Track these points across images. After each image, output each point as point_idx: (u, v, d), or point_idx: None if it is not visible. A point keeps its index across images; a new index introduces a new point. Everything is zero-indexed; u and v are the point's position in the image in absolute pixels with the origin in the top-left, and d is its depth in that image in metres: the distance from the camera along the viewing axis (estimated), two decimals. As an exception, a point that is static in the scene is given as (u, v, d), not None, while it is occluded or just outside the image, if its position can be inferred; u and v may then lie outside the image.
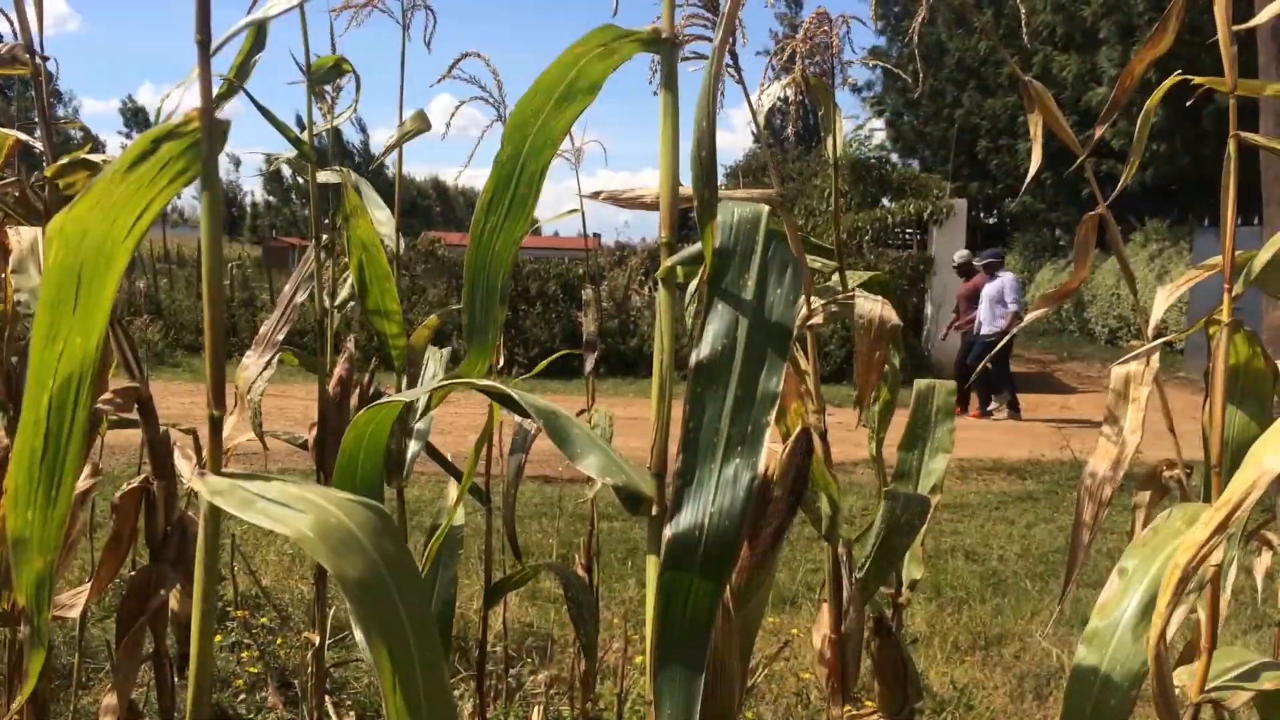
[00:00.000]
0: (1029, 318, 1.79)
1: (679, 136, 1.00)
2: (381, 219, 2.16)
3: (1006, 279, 12.31)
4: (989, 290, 12.29)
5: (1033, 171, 1.71)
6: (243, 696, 3.90)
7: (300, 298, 2.13)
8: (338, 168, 2.20)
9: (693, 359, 0.90)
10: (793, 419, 1.48)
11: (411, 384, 2.15)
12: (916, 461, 2.14)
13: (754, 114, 1.58)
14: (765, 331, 0.88)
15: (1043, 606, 5.45)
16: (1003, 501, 8.21)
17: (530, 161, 0.99)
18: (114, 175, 0.74)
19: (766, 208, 0.92)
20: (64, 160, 1.69)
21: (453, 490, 2.25)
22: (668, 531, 0.85)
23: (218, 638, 3.99)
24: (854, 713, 1.63)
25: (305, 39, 2.49)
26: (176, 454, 3.89)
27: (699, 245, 0.93)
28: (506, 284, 1.03)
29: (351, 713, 3.75)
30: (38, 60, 1.73)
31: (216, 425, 0.88)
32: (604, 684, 3.91)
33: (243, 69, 2.52)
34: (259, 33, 2.55)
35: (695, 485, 0.85)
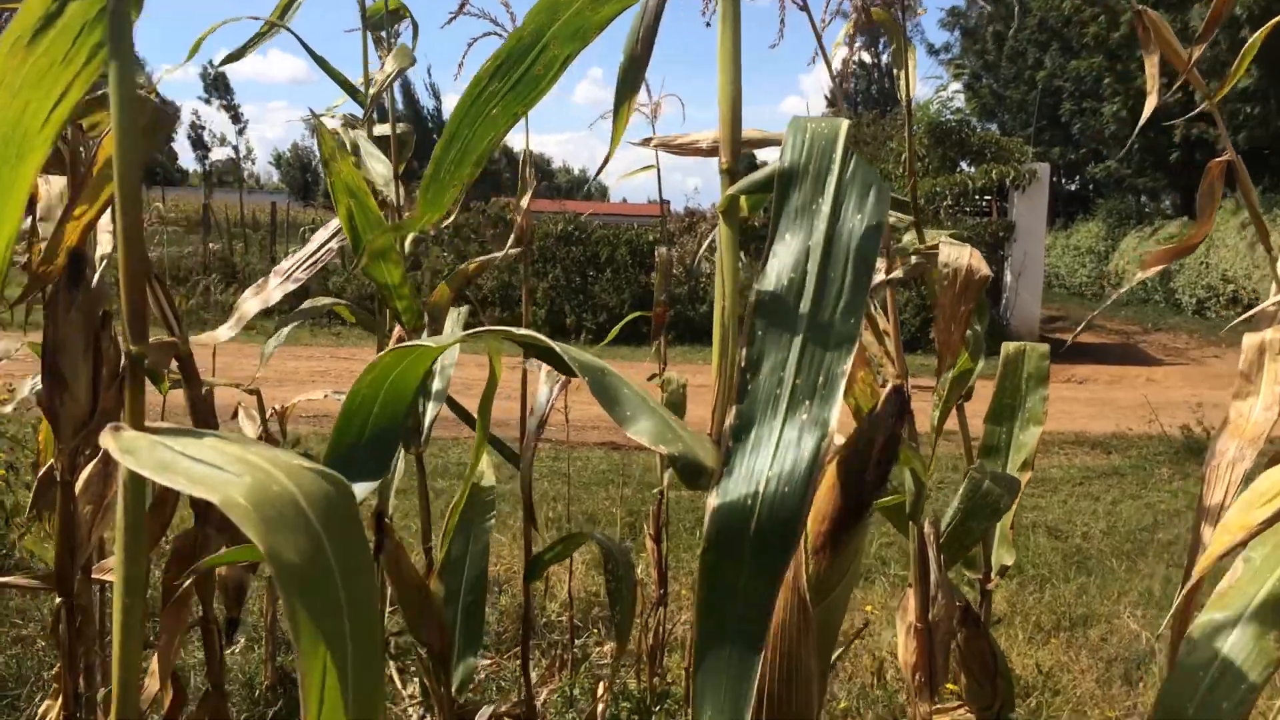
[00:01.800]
0: (1138, 277, 1.61)
1: (739, 42, 0.86)
2: (380, 172, 2.04)
3: None
4: None
5: (1147, 112, 1.53)
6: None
7: (337, 243, 2.02)
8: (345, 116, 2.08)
9: (753, 294, 0.76)
10: (861, 392, 1.33)
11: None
12: (1005, 435, 1.97)
13: (821, 49, 1.41)
14: (842, 262, 0.73)
15: (1130, 587, 5.21)
16: (1086, 477, 7.92)
17: (554, 45, 0.87)
18: (13, 49, 0.61)
19: (846, 120, 0.77)
20: (86, 100, 1.58)
21: (487, 458, 2.13)
22: (712, 500, 0.71)
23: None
24: (941, 708, 1.48)
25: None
26: (241, 414, 3.85)
27: (767, 168, 0.78)
28: (484, 155, 0.92)
29: (416, 679, 3.70)
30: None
31: (137, 365, 0.75)
32: (672, 656, 3.81)
33: (286, 9, 2.42)
34: (306, -30, 2.44)
35: (750, 446, 0.71)
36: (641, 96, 2.72)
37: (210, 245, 18.51)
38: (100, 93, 1.65)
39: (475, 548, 1.88)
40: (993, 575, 1.87)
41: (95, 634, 2.04)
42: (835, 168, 0.76)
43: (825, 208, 0.75)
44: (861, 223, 0.73)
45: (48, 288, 1.58)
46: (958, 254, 1.48)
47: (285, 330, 2.27)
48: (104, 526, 1.70)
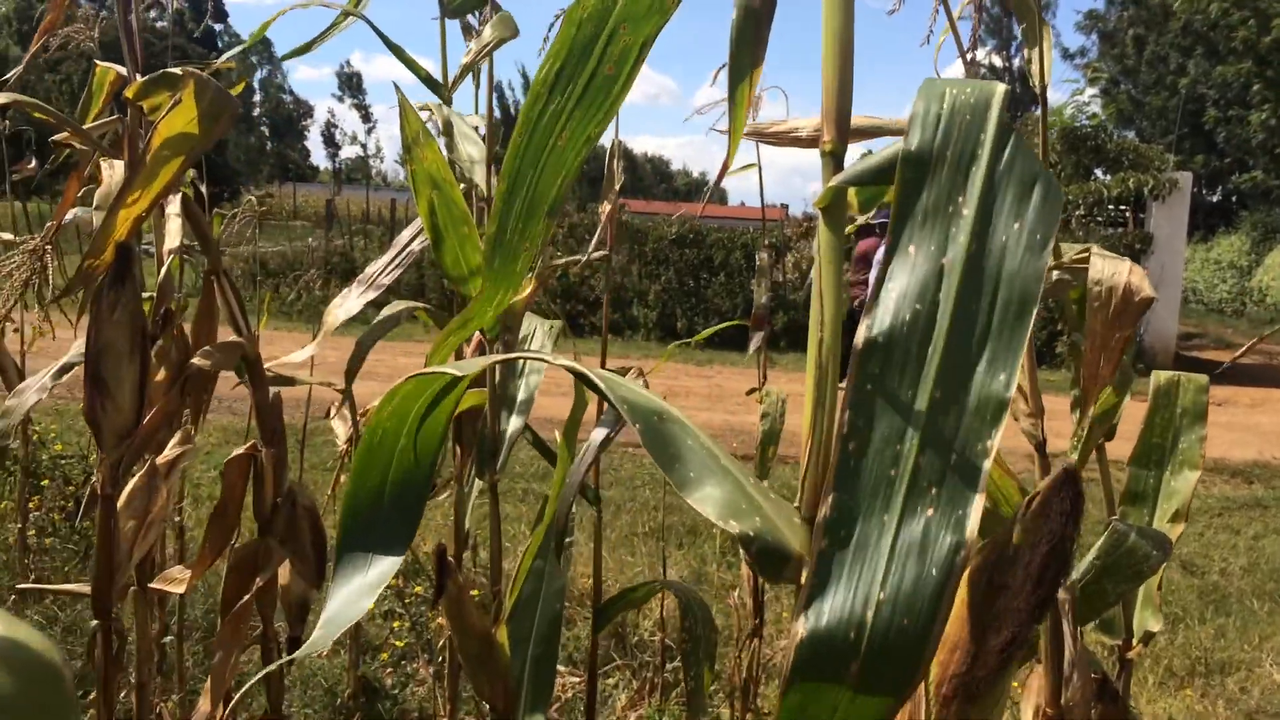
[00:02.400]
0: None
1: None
2: (474, 155, 1.86)
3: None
4: (879, 255, 11.38)
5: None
6: (391, 668, 3.77)
7: (419, 245, 1.87)
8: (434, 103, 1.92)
9: (861, 332, 0.55)
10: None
11: (506, 349, 1.86)
12: (1153, 480, 1.71)
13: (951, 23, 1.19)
14: (991, 290, 0.53)
15: (1274, 631, 4.78)
16: (1225, 508, 7.38)
17: (624, 29, 0.66)
18: None
19: (1001, 86, 0.56)
20: (143, 79, 1.46)
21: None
22: (800, 626, 0.51)
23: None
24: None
25: (450, -36, 2.22)
26: (333, 413, 3.74)
27: (886, 150, 0.58)
28: (562, 197, 0.71)
29: None
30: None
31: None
32: (769, 685, 3.59)
33: (361, -5, 2.27)
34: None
35: (854, 551, 0.51)
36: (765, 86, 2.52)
37: (335, 241, 18.89)
38: (159, 73, 1.53)
39: (550, 588, 1.69)
40: (1135, 642, 1.61)
41: (150, 651, 1.93)
42: (985, 154, 0.55)
43: (969, 210, 0.54)
44: (1021, 235, 0.52)
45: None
46: (1114, 270, 1.23)
47: (368, 348, 2.14)
48: (146, 544, 1.57)
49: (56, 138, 1.88)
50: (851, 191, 0.65)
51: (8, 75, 1.61)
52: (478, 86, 2.24)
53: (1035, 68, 1.44)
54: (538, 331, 1.99)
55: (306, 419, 4.34)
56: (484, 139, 1.98)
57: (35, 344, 3.75)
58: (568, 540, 1.88)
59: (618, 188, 2.22)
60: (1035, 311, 0.52)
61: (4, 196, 4.92)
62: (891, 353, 0.53)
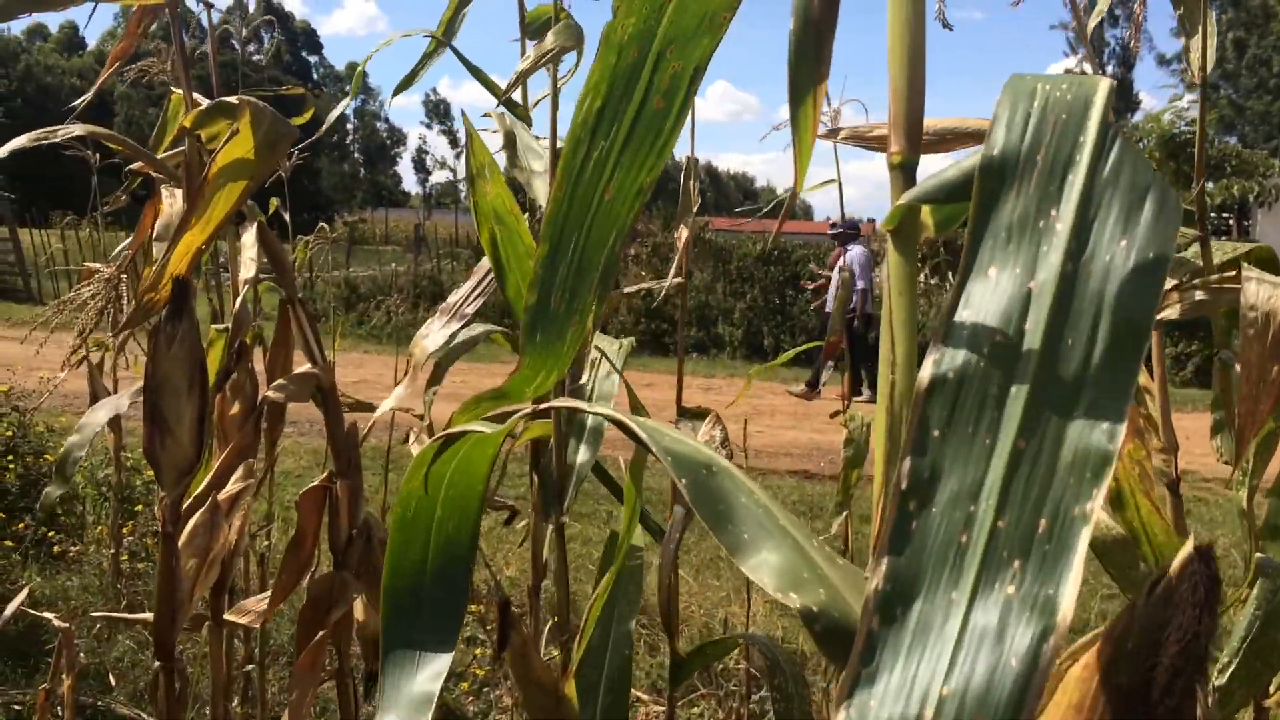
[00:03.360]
0: None
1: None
2: (535, 167, 1.80)
3: (857, 252, 11.29)
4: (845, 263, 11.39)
5: None
6: (473, 695, 3.74)
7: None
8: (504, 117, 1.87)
9: (927, 368, 0.47)
10: (1126, 479, 0.97)
11: (572, 383, 1.79)
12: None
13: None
14: (1090, 319, 0.44)
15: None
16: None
17: (671, 52, 0.58)
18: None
19: (1106, 81, 0.48)
20: (200, 108, 1.44)
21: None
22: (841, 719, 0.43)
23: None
24: None
25: (519, -15, 2.19)
26: (412, 439, 3.74)
27: (965, 161, 0.50)
28: (616, 258, 0.62)
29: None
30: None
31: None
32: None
33: (451, 22, 2.26)
34: (468, -20, 2.28)
35: (912, 635, 0.42)
36: (831, 102, 2.43)
37: (424, 265, 19.20)
38: (216, 101, 1.52)
39: (619, 630, 1.62)
40: (1273, 692, 1.47)
41: (225, 686, 1.91)
42: (1084, 159, 0.46)
43: (1063, 225, 0.46)
44: (1129, 254, 0.44)
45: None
46: (1270, 294, 1.09)
47: (445, 371, 2.11)
48: (208, 583, 1.54)
49: (132, 167, 1.89)
50: (926, 210, 0.57)
51: (76, 103, 1.61)
52: (556, 106, 2.20)
53: (1194, 57, 1.31)
54: (606, 354, 1.93)
55: (390, 442, 4.35)
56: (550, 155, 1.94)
57: (135, 368, 3.82)
58: (642, 563, 1.80)
59: (695, 209, 2.14)
60: (1147, 339, 0.44)
61: (102, 227, 5.04)
62: (965, 392, 0.45)
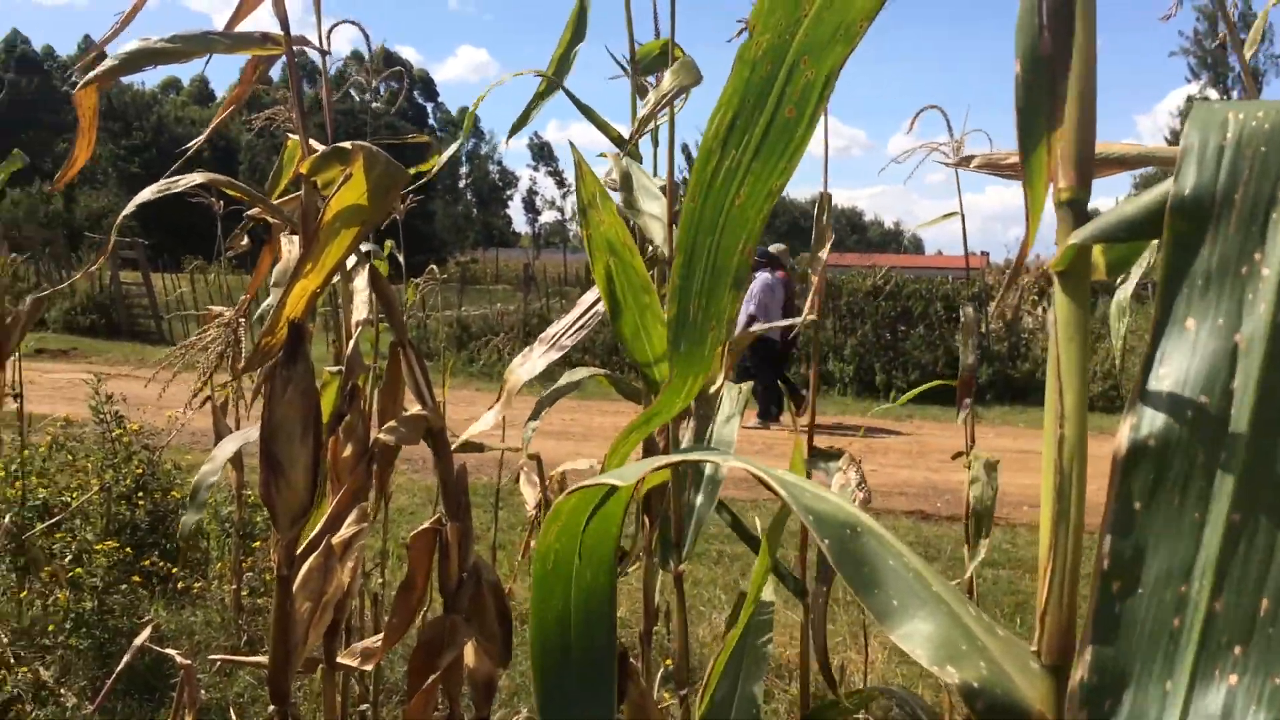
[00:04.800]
0: None
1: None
2: (654, 211, 1.77)
3: (758, 280, 11.60)
4: (753, 287, 11.61)
5: None
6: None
7: (603, 306, 1.80)
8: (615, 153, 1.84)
9: (1123, 433, 0.42)
10: None
11: (699, 425, 1.74)
12: None
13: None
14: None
15: None
16: None
17: (804, 63, 0.56)
18: None
19: (1317, 99, 0.42)
20: (315, 154, 1.45)
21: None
22: None
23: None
24: None
25: (629, 24, 2.18)
26: (522, 479, 3.74)
27: (1146, 196, 0.44)
28: (746, 263, 0.63)
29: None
30: (317, 50, 1.52)
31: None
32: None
33: (562, 62, 2.26)
34: (579, 20, 2.28)
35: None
36: (940, 134, 2.35)
37: (533, 305, 19.47)
38: (331, 147, 1.53)
39: (745, 690, 1.55)
40: None
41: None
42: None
43: (1270, 270, 0.40)
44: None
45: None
46: None
47: (543, 409, 2.09)
48: (323, 626, 1.54)
49: (250, 213, 1.93)
50: (1096, 250, 0.51)
51: (188, 145, 1.65)
52: (656, 145, 2.17)
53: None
54: (724, 400, 1.87)
55: (500, 480, 4.37)
56: (664, 194, 1.90)
57: (254, 411, 3.92)
58: (771, 619, 1.74)
59: (828, 247, 2.08)
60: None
61: (228, 271, 5.21)
62: (1169, 461, 0.39)
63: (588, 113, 2.15)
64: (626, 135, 2.10)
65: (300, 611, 1.50)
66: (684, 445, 1.81)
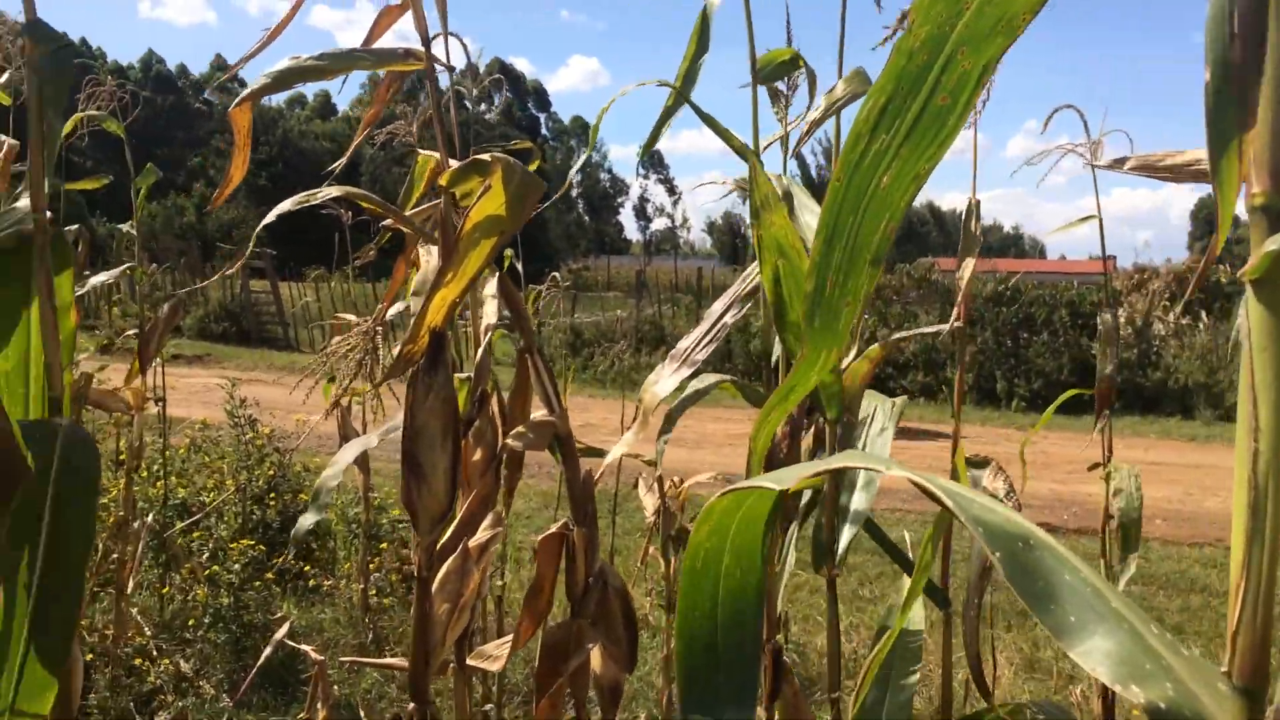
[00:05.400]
0: None
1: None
2: (813, 224, 1.75)
3: None
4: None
5: None
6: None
7: (731, 317, 1.80)
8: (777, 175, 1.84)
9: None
10: None
11: (845, 434, 1.71)
12: None
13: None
14: None
15: None
16: None
17: (961, 54, 0.56)
18: None
19: None
20: (454, 167, 1.48)
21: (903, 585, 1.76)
22: None
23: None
24: None
25: (750, 34, 2.18)
26: (641, 486, 3.76)
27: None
28: (886, 243, 0.64)
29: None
30: (436, 63, 1.55)
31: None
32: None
33: (689, 75, 2.27)
34: (702, 32, 2.28)
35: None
36: (1076, 134, 2.29)
37: (646, 310, 19.59)
38: (470, 160, 1.56)
39: (896, 698, 1.53)
40: None
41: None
42: None
43: None
44: None
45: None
46: None
47: (675, 421, 2.10)
48: (460, 627, 1.57)
49: (384, 224, 1.98)
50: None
51: (333, 166, 1.70)
52: (786, 154, 2.16)
53: None
54: (878, 413, 1.84)
55: (618, 486, 4.40)
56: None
57: (381, 414, 4.03)
58: (922, 631, 1.71)
59: (976, 253, 2.04)
60: None
61: (352, 279, 5.37)
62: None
63: (711, 123, 2.15)
64: (749, 142, 2.10)
65: (439, 613, 1.54)
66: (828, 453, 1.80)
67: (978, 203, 2.00)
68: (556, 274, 3.76)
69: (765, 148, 1.92)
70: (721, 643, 0.74)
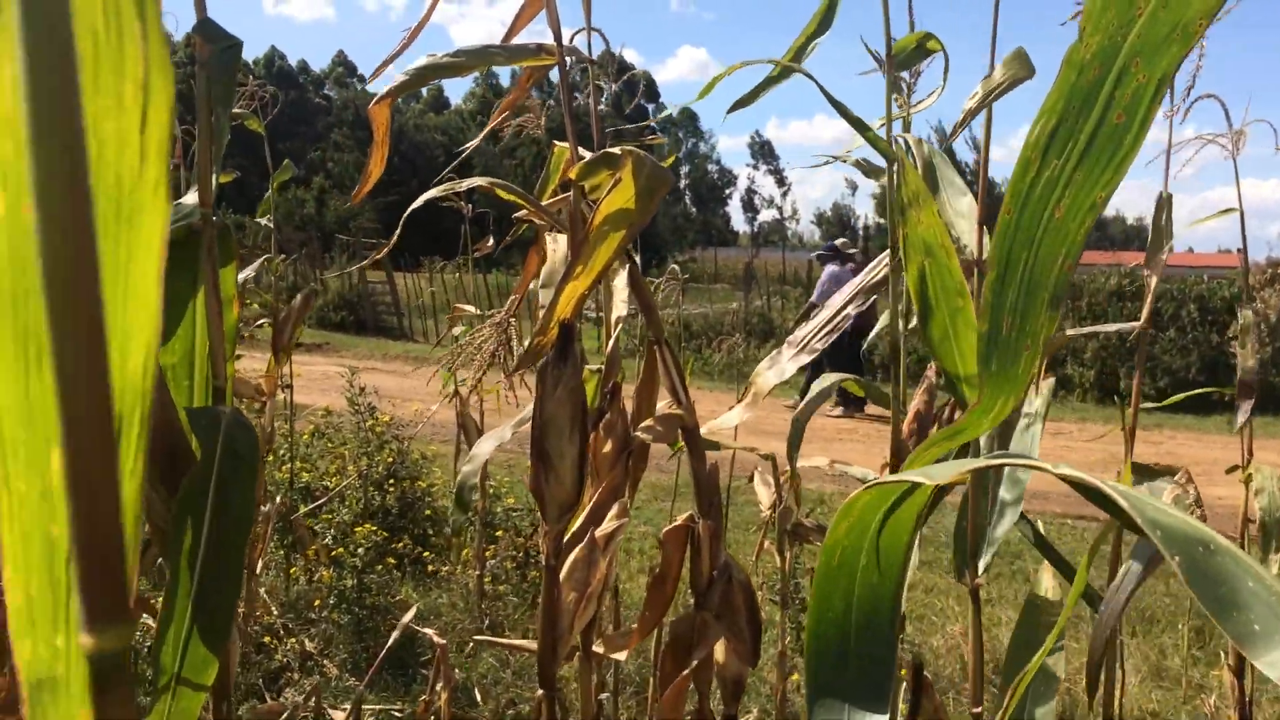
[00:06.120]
0: None
1: None
2: (961, 209, 1.71)
3: (826, 273, 11.87)
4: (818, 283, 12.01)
5: None
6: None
7: (854, 309, 1.78)
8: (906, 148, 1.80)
9: None
10: None
11: (1002, 436, 1.68)
12: None
13: None
14: None
15: None
16: None
17: (1136, 66, 0.54)
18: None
19: None
20: (583, 160, 1.50)
21: (1046, 578, 1.71)
22: None
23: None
24: None
25: (886, 14, 2.14)
26: (756, 480, 3.74)
27: None
28: (1065, 280, 0.61)
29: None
30: (566, 58, 1.57)
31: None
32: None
33: (800, 51, 2.23)
34: (827, 12, 2.25)
35: None
36: (1218, 124, 2.20)
37: (755, 301, 19.51)
38: (600, 153, 1.57)
39: (1032, 710, 1.49)
40: None
41: (593, 714, 1.97)
42: None
43: None
44: None
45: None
46: None
47: (803, 426, 2.09)
48: (587, 616, 1.59)
49: (518, 215, 2.01)
50: None
51: (462, 149, 1.74)
52: (988, 138, 2.12)
53: None
54: (1023, 407, 1.80)
55: (730, 479, 4.39)
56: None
57: (497, 404, 4.09)
58: (1065, 638, 1.66)
59: (1168, 248, 1.98)
60: None
61: (468, 271, 5.46)
62: None
63: (838, 106, 2.12)
64: (880, 132, 2.06)
65: (566, 601, 1.56)
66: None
67: (1169, 196, 1.93)
68: (676, 266, 3.76)
69: (958, 131, 1.88)
70: (854, 648, 0.73)
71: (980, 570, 1.56)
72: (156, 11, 0.29)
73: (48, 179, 0.20)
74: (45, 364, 0.26)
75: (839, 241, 12.97)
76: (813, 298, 12.27)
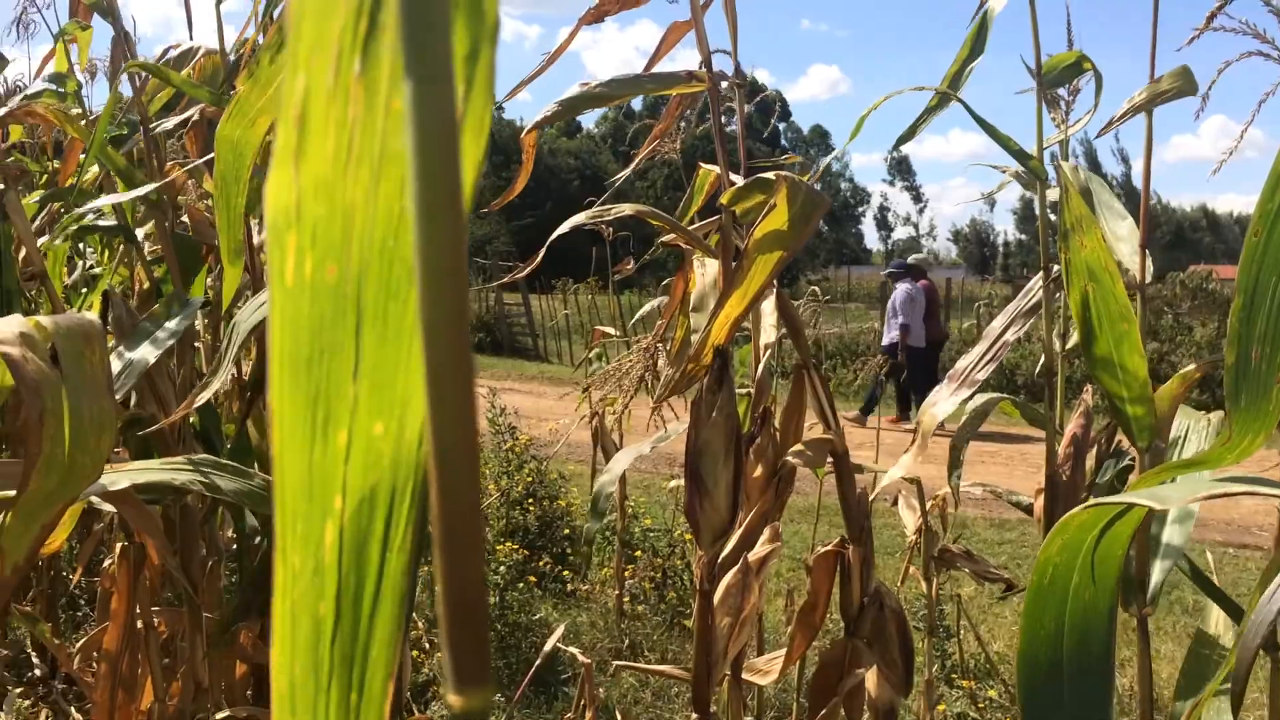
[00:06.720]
0: None
1: None
2: (1121, 233, 1.66)
3: (899, 291, 11.88)
4: (890, 301, 12.16)
5: None
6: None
7: (1013, 334, 1.73)
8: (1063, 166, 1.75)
9: None
10: None
11: (1155, 460, 1.60)
12: None
13: None
14: None
15: None
16: None
17: None
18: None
19: None
20: (735, 186, 1.50)
21: (1215, 612, 1.62)
22: None
23: (941, 707, 3.68)
24: None
25: (1035, 34, 2.09)
26: (900, 504, 3.68)
27: None
28: None
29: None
30: (718, 81, 1.58)
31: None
32: None
33: (957, 76, 2.20)
34: (979, 35, 2.21)
35: None
36: None
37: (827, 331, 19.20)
38: (753, 178, 1.58)
39: None
40: None
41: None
42: None
43: None
44: None
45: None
46: None
47: (961, 452, 2.04)
48: (741, 641, 1.58)
49: (664, 239, 2.03)
50: None
51: (615, 178, 1.76)
52: (1066, 159, 2.06)
53: None
54: (1190, 435, 1.72)
55: (871, 504, 4.31)
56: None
57: (628, 425, 4.13)
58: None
59: None
60: None
61: (610, 293, 5.52)
62: None
63: (988, 128, 2.08)
64: (1032, 150, 2.01)
65: (720, 626, 1.56)
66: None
67: (1246, 215, 1.82)
68: (815, 288, 3.74)
69: (1122, 115, 1.82)
70: (1067, 666, 0.71)
71: (1148, 600, 1.49)
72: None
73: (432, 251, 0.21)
74: (332, 431, 0.27)
75: (911, 259, 12.84)
76: (887, 316, 12.29)
